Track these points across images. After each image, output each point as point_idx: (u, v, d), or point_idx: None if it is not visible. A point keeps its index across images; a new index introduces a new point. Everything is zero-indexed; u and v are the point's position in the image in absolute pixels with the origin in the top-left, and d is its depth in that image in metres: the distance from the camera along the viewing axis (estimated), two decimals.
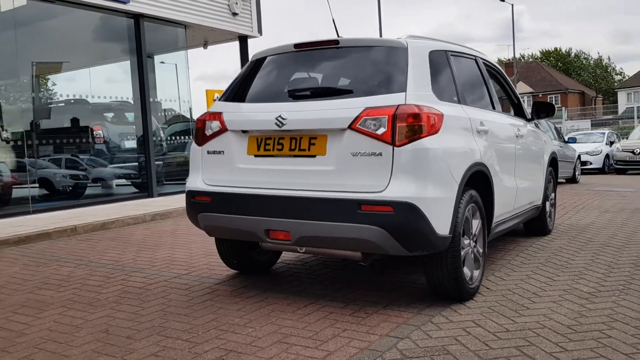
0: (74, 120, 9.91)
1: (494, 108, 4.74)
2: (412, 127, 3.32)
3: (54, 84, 10.48)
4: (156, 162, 10.41)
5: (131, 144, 10.54)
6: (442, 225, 3.39)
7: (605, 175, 17.97)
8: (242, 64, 12.41)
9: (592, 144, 18.99)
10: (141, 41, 9.90)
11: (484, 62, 4.89)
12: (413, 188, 3.30)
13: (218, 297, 4.05)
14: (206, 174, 4.00)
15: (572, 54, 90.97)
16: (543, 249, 5.42)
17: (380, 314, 3.55)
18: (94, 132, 9.99)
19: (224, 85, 11.39)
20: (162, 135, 11.50)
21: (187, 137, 11.90)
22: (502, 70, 5.36)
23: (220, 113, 3.97)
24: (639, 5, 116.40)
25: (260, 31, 12.36)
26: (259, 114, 3.78)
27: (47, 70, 10.16)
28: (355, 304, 3.78)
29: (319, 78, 3.91)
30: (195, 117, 13.64)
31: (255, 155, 3.79)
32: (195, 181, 4.05)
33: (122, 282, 4.55)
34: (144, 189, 10.25)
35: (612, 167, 18.92)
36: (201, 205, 3.96)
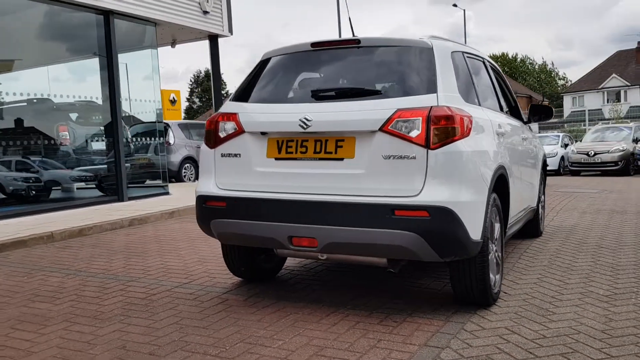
0: (38, 121, 9.41)
1: (501, 110, 4.72)
2: (446, 129, 3.23)
3: (14, 82, 9.94)
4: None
5: (99, 145, 10.10)
6: (475, 230, 3.31)
7: (560, 176, 18.51)
8: (213, 64, 12.12)
9: (547, 147, 19.49)
10: (111, 38, 9.50)
11: (489, 64, 4.86)
12: (448, 192, 3.21)
13: (231, 307, 3.85)
14: (220, 177, 3.80)
15: (518, 59, 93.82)
16: (541, 252, 5.43)
17: (409, 322, 3.44)
18: (60, 134, 9.52)
19: (173, 86, 11.11)
20: (128, 136, 11.09)
21: (151, 139, 11.51)
22: (501, 71, 5.36)
23: (235, 114, 3.78)
24: (578, 13, 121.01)
25: (230, 30, 12.09)
26: (280, 115, 3.61)
27: (4, 67, 9.61)
28: (379, 311, 3.66)
29: (341, 78, 3.77)
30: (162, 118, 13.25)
31: (276, 159, 3.62)
32: (207, 185, 3.85)
33: (122, 293, 4.28)
34: (112, 193, 9.83)
35: (567, 168, 19.49)
36: (215, 211, 3.76)
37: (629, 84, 53.48)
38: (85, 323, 3.61)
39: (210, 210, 3.79)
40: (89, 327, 3.52)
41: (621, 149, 18.44)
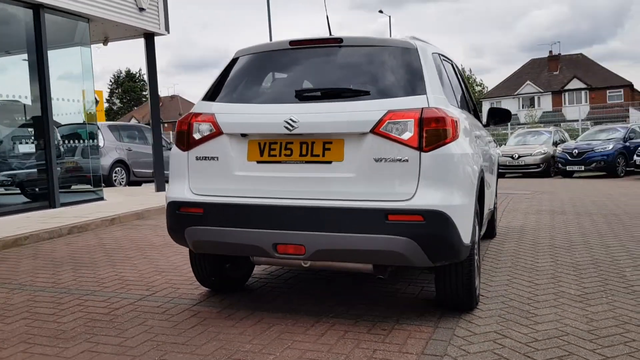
0: None
1: (469, 112, 4.73)
2: (437, 131, 3.16)
3: None
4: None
5: (27, 148, 9.41)
6: (467, 233, 3.27)
7: None
8: (149, 63, 11.62)
9: None
10: (41, 34, 8.87)
11: (455, 65, 4.87)
12: (442, 195, 3.15)
13: (206, 319, 3.62)
14: (195, 182, 3.57)
15: None
16: (501, 253, 5.51)
17: (398, 330, 3.35)
18: None
19: (85, 86, 10.56)
20: (58, 137, 10.42)
21: (78, 141, 10.86)
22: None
23: (211, 114, 3.56)
24: (489, 24, 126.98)
25: (167, 29, 11.65)
26: (262, 116, 3.42)
27: None
28: (364, 319, 3.55)
29: (324, 78, 3.62)
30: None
31: (258, 162, 3.43)
32: (180, 191, 3.60)
33: (80, 309, 3.94)
34: (43, 199, 9.19)
35: None
36: (190, 218, 3.52)
37: (542, 90, 56.40)
38: (47, 344, 3.27)
39: (184, 217, 3.55)
40: (53, 349, 3.19)
41: (542, 152, 19.36)
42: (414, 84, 3.36)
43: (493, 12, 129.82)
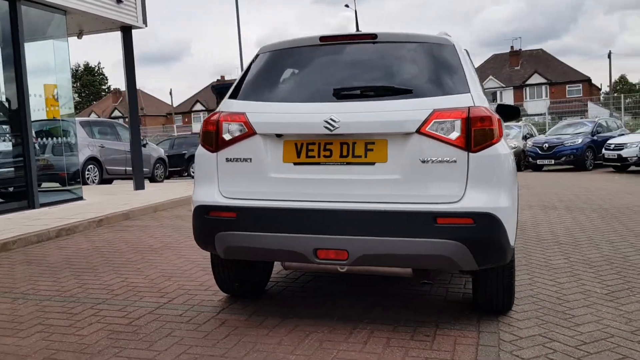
0: None
1: None
2: (485, 131, 3.07)
3: None
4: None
5: (2, 146, 8.97)
6: (512, 235, 3.19)
7: None
8: (127, 57, 11.23)
9: None
10: (18, 26, 8.44)
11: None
12: (491, 197, 3.06)
13: (238, 328, 3.45)
14: (225, 185, 3.39)
15: None
16: None
17: (442, 336, 3.26)
18: None
19: (46, 80, 10.10)
20: (33, 135, 9.97)
21: (52, 138, 10.42)
22: None
23: (242, 113, 3.38)
24: (449, 18, 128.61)
25: (145, 22, 11.28)
26: (299, 115, 3.27)
27: None
28: (402, 324, 3.45)
29: (361, 76, 3.47)
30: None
31: (295, 163, 3.27)
32: (209, 194, 3.41)
33: (97, 319, 3.72)
34: (21, 198, 8.77)
35: None
36: (221, 223, 3.34)
37: (504, 85, 57.39)
38: None
39: (215, 222, 3.36)
40: None
41: (513, 146, 19.62)
42: (456, 82, 3.25)
43: (453, 7, 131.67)
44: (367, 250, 3.09)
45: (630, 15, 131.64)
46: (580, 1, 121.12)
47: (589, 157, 18.98)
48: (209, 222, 3.39)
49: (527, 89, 56.40)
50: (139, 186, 11.46)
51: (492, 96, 58.11)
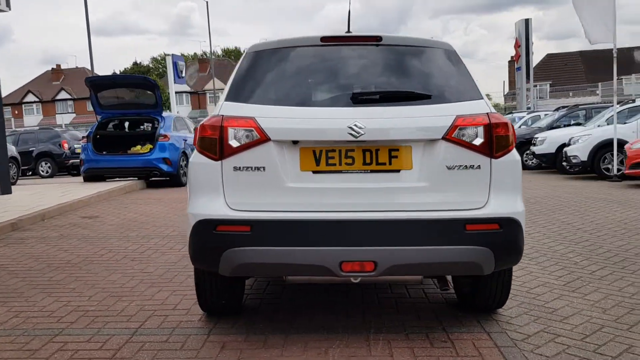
0: None
1: None
2: (504, 137, 3.14)
3: None
4: None
5: None
6: (525, 238, 3.29)
7: None
8: None
9: None
10: None
11: None
12: (512, 202, 3.14)
13: (244, 351, 3.18)
14: (233, 197, 3.09)
15: None
16: None
17: (459, 340, 3.29)
18: None
19: None
20: None
21: None
22: None
23: (251, 118, 3.10)
24: (292, 14, 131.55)
25: (8, 4, 9.98)
26: (320, 121, 3.07)
27: None
28: (411, 331, 3.43)
29: (368, 79, 3.35)
30: None
31: (314, 172, 3.08)
32: (214, 206, 3.09)
33: (71, 355, 3.19)
34: None
35: None
36: (231, 238, 3.04)
37: None
38: None
39: (223, 238, 3.05)
40: None
41: None
42: (469, 87, 3.27)
43: (296, 3, 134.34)
44: (397, 261, 3.01)
45: (452, 20, 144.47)
46: (408, 5, 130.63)
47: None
48: (216, 238, 3.07)
49: None
50: (5, 190, 10.15)
51: None
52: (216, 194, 3.11)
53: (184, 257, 5.51)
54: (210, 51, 45.86)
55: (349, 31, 3.72)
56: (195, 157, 3.21)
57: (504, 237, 3.07)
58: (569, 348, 3.15)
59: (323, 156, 3.08)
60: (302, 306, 3.94)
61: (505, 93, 59.58)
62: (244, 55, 3.46)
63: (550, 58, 56.70)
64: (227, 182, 3.10)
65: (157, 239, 6.48)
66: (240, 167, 3.09)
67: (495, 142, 3.10)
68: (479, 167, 3.09)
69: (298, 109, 3.14)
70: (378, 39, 3.38)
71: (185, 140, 13.04)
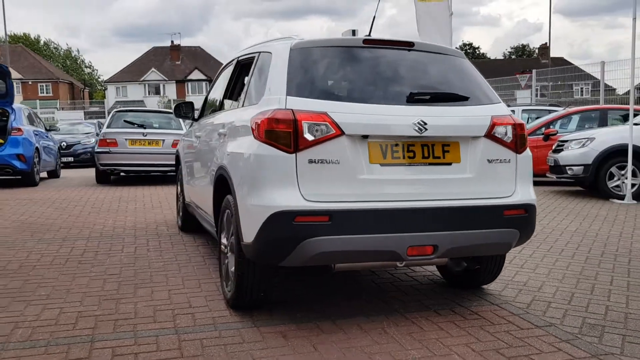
0: None
1: None
2: (524, 136, 3.71)
3: None
4: None
5: None
6: None
7: None
8: None
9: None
10: None
11: None
12: (530, 190, 3.71)
13: (311, 337, 3.30)
14: (309, 188, 3.20)
15: (42, 42, 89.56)
16: None
17: (482, 312, 3.75)
18: None
19: None
20: None
21: None
22: None
23: (324, 113, 3.24)
24: (97, 2, 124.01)
25: None
26: (389, 117, 3.33)
27: None
28: (439, 308, 3.82)
29: (420, 80, 3.71)
30: None
31: (382, 164, 3.33)
32: (290, 198, 3.17)
33: (144, 357, 3.02)
34: None
35: None
36: (311, 229, 3.16)
37: (166, 78, 58.15)
38: None
39: (302, 228, 3.15)
40: None
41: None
42: (488, 91, 3.78)
43: None
44: (454, 244, 3.40)
45: (252, 24, 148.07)
46: (210, 5, 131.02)
47: None
48: (294, 229, 3.15)
49: (189, 84, 58.36)
50: None
51: (155, 88, 58.20)
52: (291, 186, 3.19)
53: (135, 257, 5.27)
54: (5, 37, 41.09)
55: (369, 34, 3.99)
56: (261, 149, 3.25)
57: (527, 220, 3.63)
58: (568, 311, 3.80)
59: (389, 150, 3.35)
60: (317, 295, 4.11)
61: None
62: (290, 50, 3.54)
63: None
64: (302, 174, 3.20)
65: (79, 240, 6.01)
66: (315, 160, 3.21)
67: (519, 139, 3.64)
68: (508, 160, 3.60)
69: (368, 105, 3.37)
70: (411, 44, 3.72)
71: (38, 135, 11.84)
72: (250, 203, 3.30)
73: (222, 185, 3.97)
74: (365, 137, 3.32)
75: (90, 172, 14.19)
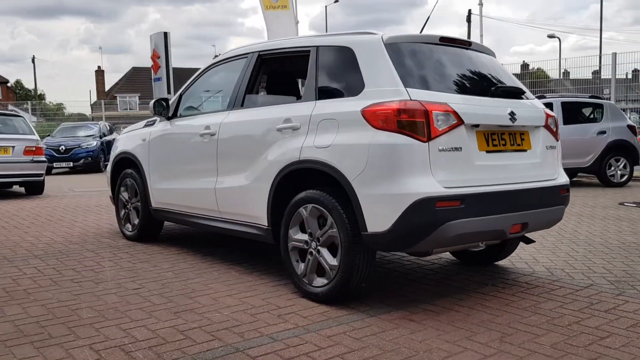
0: None
1: None
2: (557, 127, 4.29)
3: None
4: None
5: None
6: None
7: None
8: None
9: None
10: None
11: None
12: (564, 173, 4.29)
13: (415, 323, 3.39)
14: (440, 175, 3.37)
15: None
16: None
17: (530, 283, 4.22)
18: None
19: None
20: None
21: None
22: None
23: (445, 104, 3.44)
24: None
25: None
26: (491, 108, 3.69)
27: None
28: (494, 284, 4.19)
29: (491, 76, 4.05)
30: None
31: (487, 151, 3.65)
32: (428, 185, 3.31)
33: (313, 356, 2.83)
34: None
35: None
36: (450, 213, 3.34)
37: None
38: None
39: (442, 213, 3.31)
40: None
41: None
42: (524, 87, 4.29)
43: None
44: (538, 221, 3.91)
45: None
46: None
47: (102, 159, 19.56)
48: (436, 214, 3.30)
49: None
50: None
51: None
52: (426, 174, 3.32)
53: (128, 269, 4.69)
54: None
55: (422, 31, 4.22)
56: (394, 139, 3.31)
57: (569, 198, 4.23)
58: (577, 274, 4.46)
59: (490, 138, 3.67)
60: (378, 287, 4.17)
61: (93, 102, 58.50)
62: (384, 45, 3.63)
63: (136, 71, 58.53)
64: (434, 162, 3.34)
65: (48, 258, 5.14)
66: (444, 148, 3.38)
67: (557, 129, 4.23)
68: (554, 147, 4.16)
69: (473, 97, 3.68)
70: (469, 43, 4.10)
71: None
72: (383, 192, 3.32)
73: (290, 182, 3.89)
74: (476, 126, 3.58)
75: None
